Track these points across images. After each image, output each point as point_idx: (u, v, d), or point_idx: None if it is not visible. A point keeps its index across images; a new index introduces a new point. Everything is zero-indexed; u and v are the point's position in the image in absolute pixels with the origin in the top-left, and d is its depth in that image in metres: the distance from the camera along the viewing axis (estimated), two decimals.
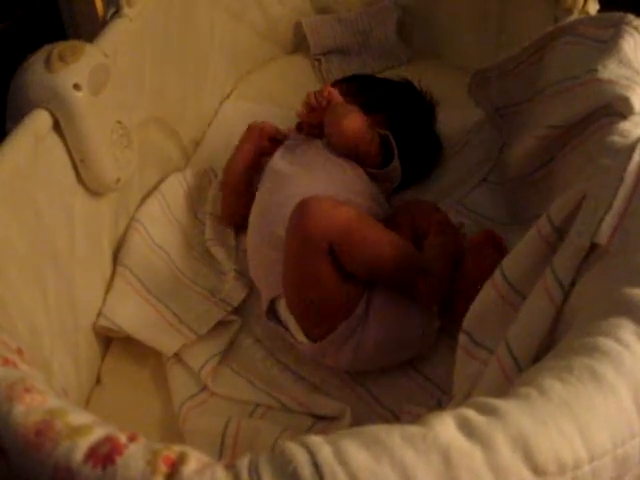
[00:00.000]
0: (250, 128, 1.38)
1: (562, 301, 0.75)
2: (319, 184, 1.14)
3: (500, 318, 0.83)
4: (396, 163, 1.27)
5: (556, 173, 1.09)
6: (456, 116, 1.51)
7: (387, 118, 1.35)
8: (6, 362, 0.61)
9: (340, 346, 1.01)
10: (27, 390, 0.56)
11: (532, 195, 1.18)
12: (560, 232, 0.80)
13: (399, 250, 1.01)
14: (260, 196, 1.21)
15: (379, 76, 1.56)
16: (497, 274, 0.85)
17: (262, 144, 1.35)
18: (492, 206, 1.31)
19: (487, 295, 0.86)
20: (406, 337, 1.03)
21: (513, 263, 0.84)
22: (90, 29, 2.56)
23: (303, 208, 0.99)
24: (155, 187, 1.32)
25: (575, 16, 1.19)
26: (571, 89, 1.03)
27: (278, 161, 1.24)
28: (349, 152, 1.23)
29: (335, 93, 1.30)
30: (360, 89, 1.43)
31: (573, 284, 0.75)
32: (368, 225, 1.03)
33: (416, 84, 1.48)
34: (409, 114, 1.40)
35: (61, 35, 2.51)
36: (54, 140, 0.99)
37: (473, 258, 1.05)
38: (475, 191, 1.36)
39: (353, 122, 1.23)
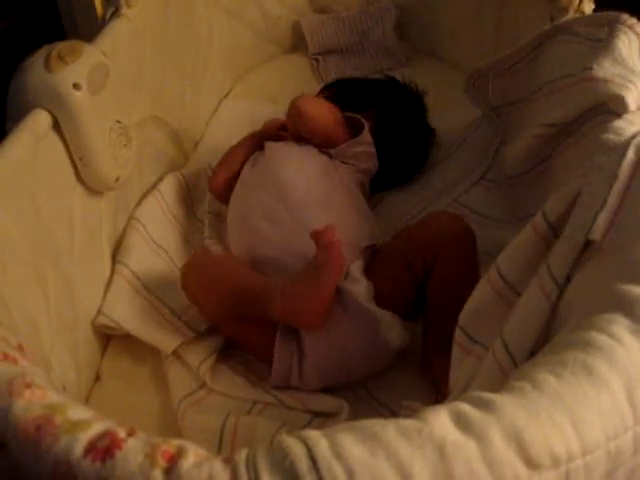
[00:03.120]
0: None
1: (557, 297, 0.75)
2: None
3: (495, 314, 0.84)
4: (366, 135, 1.26)
5: (552, 171, 1.10)
6: (453, 115, 1.52)
7: (375, 113, 1.36)
8: (6, 358, 0.62)
9: (287, 377, 1.02)
10: (27, 385, 0.57)
11: (529, 193, 1.19)
12: (555, 229, 0.81)
13: (244, 283, 1.02)
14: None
15: (375, 76, 1.56)
16: (492, 270, 0.86)
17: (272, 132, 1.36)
18: (489, 204, 1.32)
19: (482, 291, 0.86)
20: (352, 360, 1.01)
21: (508, 260, 0.84)
22: (89, 29, 2.56)
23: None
24: (154, 186, 1.33)
25: (571, 15, 1.19)
26: (566, 88, 1.03)
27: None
28: (319, 139, 1.24)
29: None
30: (344, 91, 1.45)
31: (568, 280, 0.76)
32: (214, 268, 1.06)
33: (400, 78, 1.48)
34: (396, 106, 1.41)
35: (60, 35, 2.51)
36: (54, 139, 1.00)
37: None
38: (472, 189, 1.37)
39: (312, 108, 1.24)
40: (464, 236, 1.03)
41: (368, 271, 1.07)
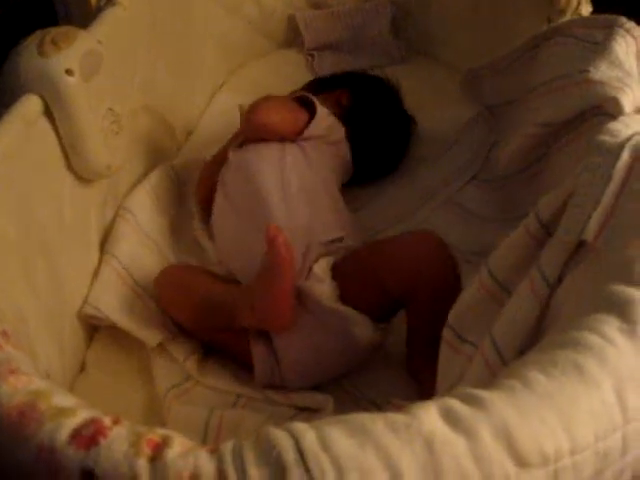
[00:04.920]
0: None
1: (547, 297, 0.75)
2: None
3: (485, 313, 0.84)
4: (321, 111, 1.25)
5: (546, 171, 1.10)
6: (447, 114, 1.52)
7: (348, 91, 1.37)
8: None
9: (270, 378, 1.01)
10: (12, 371, 0.56)
11: (522, 193, 1.19)
12: (547, 229, 0.81)
13: (211, 294, 1.03)
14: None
15: (375, 73, 1.56)
16: (483, 269, 0.86)
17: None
18: (482, 203, 1.32)
19: (473, 290, 0.86)
20: (326, 359, 1.00)
21: (500, 259, 0.84)
22: (82, 16, 2.55)
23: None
24: (144, 176, 1.32)
25: (568, 17, 1.19)
26: (562, 88, 1.03)
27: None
28: (280, 137, 1.23)
29: None
30: (315, 82, 1.48)
31: (559, 280, 0.76)
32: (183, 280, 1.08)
33: (389, 75, 1.49)
34: (369, 86, 1.42)
35: (53, 22, 2.50)
36: (45, 125, 0.99)
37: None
38: (465, 188, 1.37)
39: (259, 116, 1.22)
40: (444, 262, 0.98)
41: (337, 271, 1.04)
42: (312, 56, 1.80)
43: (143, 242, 1.20)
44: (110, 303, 1.09)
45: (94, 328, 1.12)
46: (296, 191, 1.14)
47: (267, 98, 1.26)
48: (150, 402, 1.04)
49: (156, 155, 1.38)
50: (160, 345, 1.07)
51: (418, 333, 1.00)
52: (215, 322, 1.03)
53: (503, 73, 1.28)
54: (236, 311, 0.98)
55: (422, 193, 1.37)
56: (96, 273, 1.13)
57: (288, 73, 1.77)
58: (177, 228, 1.29)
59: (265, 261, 0.95)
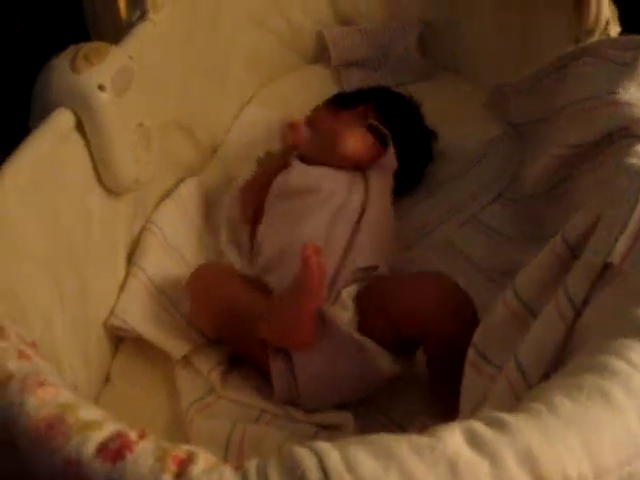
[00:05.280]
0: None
1: (573, 319, 0.75)
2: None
3: (510, 335, 0.84)
4: (391, 148, 1.26)
5: (572, 192, 1.09)
6: (473, 131, 1.52)
7: (373, 106, 1.38)
8: (21, 355, 0.62)
9: (288, 394, 1.01)
10: (40, 384, 0.57)
11: (548, 213, 1.18)
12: (574, 251, 0.80)
13: (229, 301, 1.03)
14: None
15: (397, 90, 1.56)
16: (509, 290, 0.85)
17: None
18: (507, 222, 1.31)
19: (497, 311, 0.86)
20: (342, 383, 1.00)
21: (526, 280, 0.84)
22: (113, 30, 2.59)
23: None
24: (172, 190, 1.33)
25: (596, 38, 1.19)
26: (590, 110, 1.03)
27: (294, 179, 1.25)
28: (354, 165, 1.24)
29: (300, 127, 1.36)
30: (339, 97, 1.48)
31: (585, 303, 0.75)
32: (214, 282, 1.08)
33: (413, 92, 1.50)
34: (393, 100, 1.44)
35: (84, 36, 2.54)
36: (76, 139, 1.01)
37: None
38: (490, 206, 1.36)
39: (351, 142, 1.23)
40: (455, 307, 0.96)
41: (360, 299, 1.04)
42: (339, 72, 1.81)
43: (169, 255, 1.22)
44: (136, 315, 1.10)
45: (119, 339, 1.14)
46: (346, 214, 1.15)
47: (349, 128, 1.27)
48: (174, 414, 1.04)
49: (184, 169, 1.40)
50: (185, 357, 1.08)
51: (437, 362, 0.99)
52: (239, 330, 1.03)
53: (530, 92, 1.27)
54: (256, 320, 0.99)
55: (446, 209, 1.36)
56: (123, 285, 1.15)
57: (316, 88, 1.77)
58: (204, 241, 1.30)
59: (296, 278, 0.95)
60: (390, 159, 1.26)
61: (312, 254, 0.92)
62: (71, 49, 1.03)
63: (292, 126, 1.37)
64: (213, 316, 1.06)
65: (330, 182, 1.20)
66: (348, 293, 1.04)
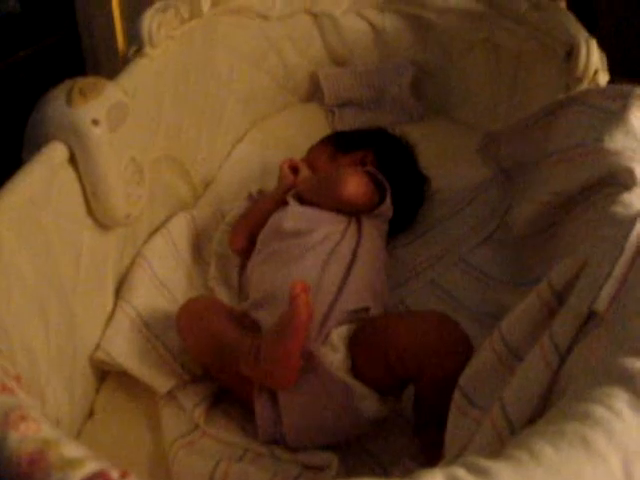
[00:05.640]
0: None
1: (558, 365, 0.75)
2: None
3: (496, 378, 0.84)
4: (388, 199, 1.28)
5: (559, 238, 1.10)
6: (464, 173, 1.54)
7: (372, 152, 1.39)
8: (4, 389, 0.62)
9: (272, 433, 1.00)
10: (23, 418, 0.57)
11: (535, 257, 1.19)
12: (560, 297, 0.81)
13: (222, 336, 1.03)
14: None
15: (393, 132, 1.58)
16: (495, 334, 0.86)
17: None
18: (495, 265, 1.32)
19: (484, 355, 0.86)
20: (326, 425, 0.99)
21: (512, 325, 0.84)
22: (109, 60, 2.63)
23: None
24: (163, 224, 1.34)
25: (585, 85, 1.21)
26: (577, 157, 1.05)
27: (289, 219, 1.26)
28: (352, 210, 1.25)
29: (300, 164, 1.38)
30: (341, 138, 1.48)
31: (570, 349, 0.76)
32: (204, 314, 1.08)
33: (389, 130, 1.51)
34: (390, 146, 1.44)
35: (80, 65, 2.58)
36: (68, 172, 1.02)
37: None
38: (479, 248, 1.37)
39: (352, 187, 1.23)
40: (452, 346, 0.94)
41: (352, 340, 1.03)
42: (332, 111, 1.84)
43: (158, 290, 1.22)
44: (122, 349, 1.10)
45: (104, 373, 1.13)
46: (339, 257, 1.15)
47: (350, 171, 1.28)
48: (157, 449, 1.03)
49: (175, 204, 1.41)
50: (169, 393, 1.07)
51: (425, 403, 0.99)
52: (225, 365, 1.03)
53: (520, 137, 1.29)
54: (240, 358, 0.98)
55: (435, 251, 1.37)
56: (110, 318, 1.14)
57: (309, 127, 1.80)
58: (192, 276, 1.30)
59: (282, 316, 0.95)
60: (387, 210, 1.28)
61: (300, 292, 0.92)
62: (67, 83, 1.05)
63: (293, 166, 1.38)
64: (200, 350, 1.06)
65: (325, 225, 1.21)
66: (339, 334, 1.03)
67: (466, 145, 1.59)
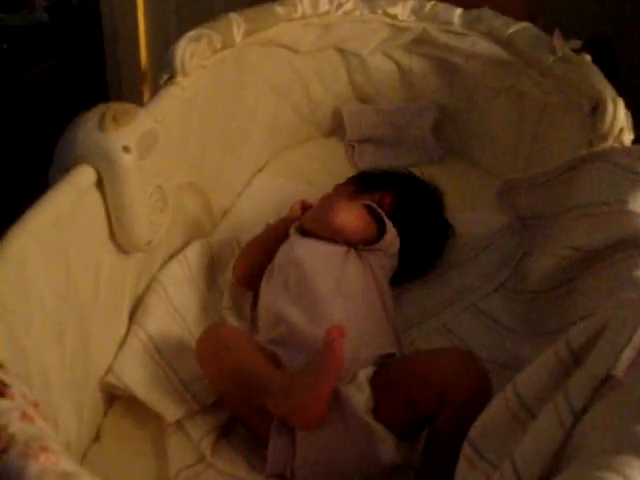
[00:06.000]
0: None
1: (572, 426, 0.75)
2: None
3: (507, 433, 0.84)
4: (391, 231, 1.28)
5: (576, 294, 1.10)
6: (480, 219, 1.55)
7: (394, 192, 1.40)
8: (24, 416, 0.62)
9: (281, 470, 1.00)
10: (42, 449, 0.57)
11: (550, 310, 1.19)
12: (576, 357, 0.81)
13: (249, 367, 1.03)
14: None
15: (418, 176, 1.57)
16: (509, 389, 0.86)
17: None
18: (508, 314, 1.32)
19: (497, 408, 0.86)
20: (342, 468, 0.99)
21: (527, 381, 0.84)
22: (131, 77, 2.66)
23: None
24: (180, 250, 1.34)
25: (610, 143, 1.22)
26: (599, 215, 1.05)
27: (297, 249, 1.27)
28: (347, 242, 1.25)
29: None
30: (366, 178, 1.49)
31: (584, 411, 0.76)
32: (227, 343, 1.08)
33: (426, 176, 1.52)
34: (414, 189, 1.45)
35: (102, 79, 2.61)
36: (94, 196, 1.03)
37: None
38: (492, 296, 1.37)
39: (340, 219, 1.24)
40: (477, 383, 0.96)
41: (376, 379, 1.04)
42: (353, 147, 1.85)
43: (171, 316, 1.22)
44: (133, 374, 1.10)
45: (113, 397, 1.13)
46: (358, 299, 1.16)
47: (345, 202, 1.30)
48: (161, 476, 1.03)
49: (193, 231, 1.41)
50: (177, 422, 1.07)
51: (437, 445, 0.98)
52: (246, 395, 1.02)
53: (540, 188, 1.30)
54: (267, 397, 0.98)
55: (447, 296, 1.37)
56: (123, 342, 1.15)
57: (328, 161, 1.82)
58: (206, 305, 1.30)
59: (317, 357, 0.96)
60: (388, 245, 1.27)
61: (338, 337, 0.94)
62: (100, 107, 1.06)
63: (304, 206, 1.40)
64: (222, 379, 1.05)
65: (326, 257, 1.22)
66: (365, 375, 1.04)
67: (485, 190, 1.61)
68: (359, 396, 1.01)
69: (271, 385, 0.98)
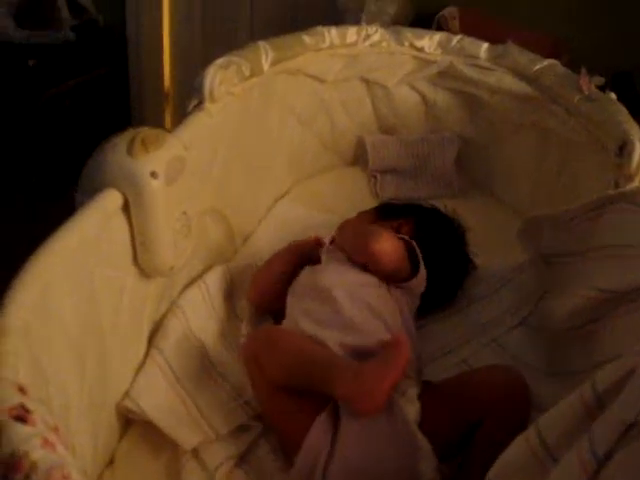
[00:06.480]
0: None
1: (595, 472, 0.74)
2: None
3: (527, 474, 0.83)
4: (423, 272, 1.28)
5: (601, 335, 1.09)
6: (500, 254, 1.53)
7: (414, 221, 1.40)
8: (45, 443, 0.62)
9: (310, 472, 0.99)
10: (64, 478, 0.57)
11: (572, 350, 1.18)
12: (601, 401, 0.80)
13: (312, 352, 1.07)
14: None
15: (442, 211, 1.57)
16: (532, 430, 0.85)
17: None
18: (529, 350, 1.31)
19: (518, 448, 0.85)
20: (381, 470, 0.99)
21: (550, 423, 0.83)
22: (154, 98, 2.69)
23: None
24: (200, 275, 1.34)
25: (636, 184, 1.21)
26: (624, 257, 1.04)
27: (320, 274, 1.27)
28: (381, 274, 1.25)
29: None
30: (384, 207, 1.52)
31: (608, 457, 0.74)
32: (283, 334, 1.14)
33: (447, 209, 1.52)
34: (434, 223, 1.44)
35: (125, 99, 2.64)
36: (120, 220, 1.03)
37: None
38: (512, 332, 1.36)
39: (384, 251, 1.24)
40: (519, 395, 1.06)
41: (428, 391, 1.08)
42: (375, 177, 1.85)
43: (190, 341, 1.22)
44: (150, 400, 1.09)
45: (129, 421, 1.12)
46: (397, 323, 1.19)
47: (389, 232, 1.30)
48: None
49: (214, 256, 1.41)
50: (193, 450, 1.06)
51: (470, 467, 1.01)
52: (302, 381, 1.05)
53: (564, 226, 1.29)
54: (336, 378, 1.00)
55: (467, 331, 1.37)
56: (141, 365, 1.15)
57: (350, 190, 1.82)
58: (225, 331, 1.30)
59: (387, 351, 1.02)
60: (419, 285, 1.28)
61: (405, 338, 1.04)
62: (130, 132, 1.06)
63: (318, 242, 1.39)
64: (278, 367, 1.07)
65: (359, 285, 1.22)
66: (413, 390, 1.06)
67: (505, 225, 1.60)
68: (409, 407, 1.03)
69: (339, 365, 1.03)
